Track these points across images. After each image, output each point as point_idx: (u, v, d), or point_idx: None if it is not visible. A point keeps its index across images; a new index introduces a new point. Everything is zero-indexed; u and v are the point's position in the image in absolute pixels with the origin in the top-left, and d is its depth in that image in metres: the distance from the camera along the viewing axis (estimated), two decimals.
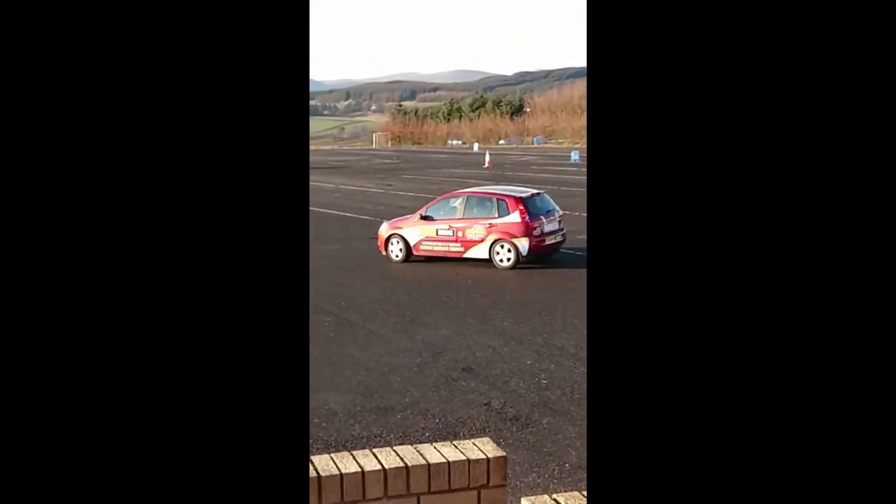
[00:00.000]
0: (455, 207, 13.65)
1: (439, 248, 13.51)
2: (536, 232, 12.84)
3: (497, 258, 13.01)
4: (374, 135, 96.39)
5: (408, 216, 14.42)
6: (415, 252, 13.72)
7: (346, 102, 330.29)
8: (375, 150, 75.19)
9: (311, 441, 6.08)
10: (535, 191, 14.03)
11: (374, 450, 2.64)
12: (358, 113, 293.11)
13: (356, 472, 2.50)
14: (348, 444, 5.95)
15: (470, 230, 13.18)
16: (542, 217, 13.05)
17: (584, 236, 13.67)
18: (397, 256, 13.86)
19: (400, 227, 14.01)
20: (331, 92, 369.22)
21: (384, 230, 14.26)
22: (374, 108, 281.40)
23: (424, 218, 13.72)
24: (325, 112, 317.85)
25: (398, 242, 13.88)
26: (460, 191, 14.90)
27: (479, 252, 13.13)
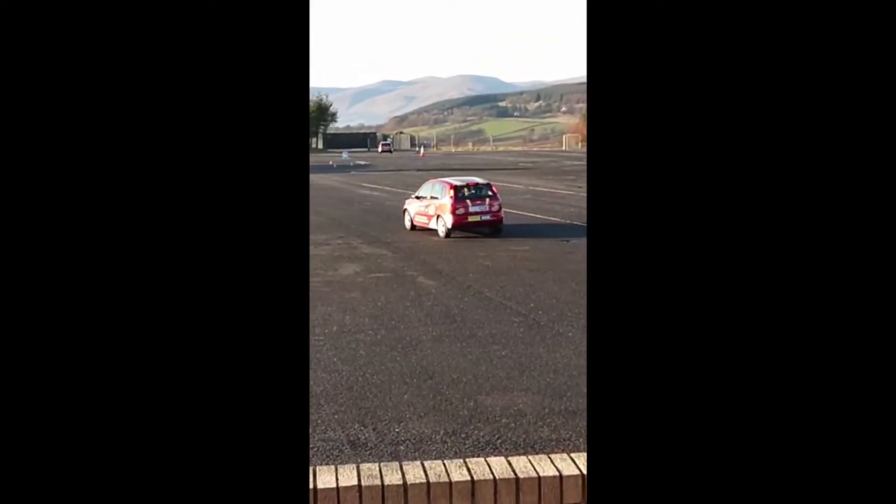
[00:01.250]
0: (429, 190, 17.95)
1: (420, 220, 17.92)
2: (459, 212, 16.80)
3: (438, 229, 17.23)
4: (563, 136, 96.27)
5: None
6: (414, 223, 18.10)
7: (537, 104, 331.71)
8: (565, 151, 74.95)
9: (499, 440, 6.11)
10: (479, 181, 17.84)
11: (573, 454, 2.60)
12: (548, 114, 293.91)
13: (554, 476, 2.48)
14: (536, 447, 5.93)
15: (428, 207, 17.61)
16: (467, 200, 16.89)
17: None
18: (407, 226, 18.46)
19: (409, 204, 18.65)
20: (521, 94, 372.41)
21: (405, 204, 18.97)
22: (563, 109, 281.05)
23: (417, 197, 18.30)
24: (515, 114, 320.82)
25: (407, 215, 18.59)
26: (435, 179, 19.33)
27: (433, 224, 17.37)
